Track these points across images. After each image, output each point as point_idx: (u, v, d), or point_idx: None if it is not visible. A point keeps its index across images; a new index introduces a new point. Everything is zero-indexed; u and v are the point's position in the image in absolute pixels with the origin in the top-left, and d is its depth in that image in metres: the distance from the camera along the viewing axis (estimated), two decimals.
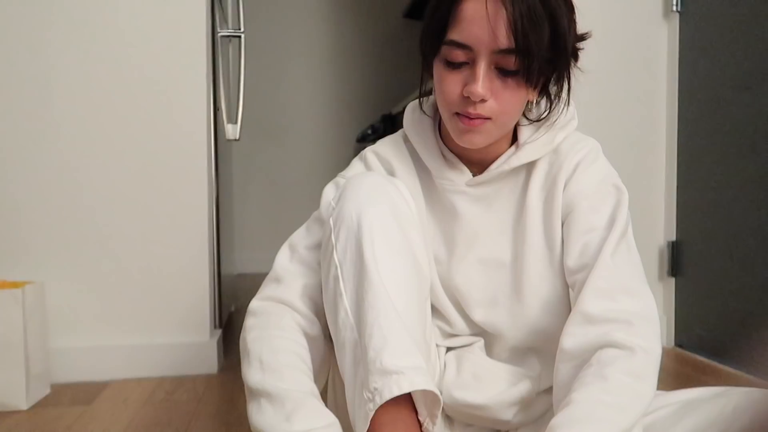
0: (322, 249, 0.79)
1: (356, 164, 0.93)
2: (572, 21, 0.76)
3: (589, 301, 0.74)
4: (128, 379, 1.57)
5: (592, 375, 0.68)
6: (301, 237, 0.89)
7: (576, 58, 0.79)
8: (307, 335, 0.81)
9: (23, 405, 1.36)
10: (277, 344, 0.77)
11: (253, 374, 0.74)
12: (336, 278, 0.74)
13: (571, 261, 0.80)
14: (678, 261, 1.90)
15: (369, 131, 3.20)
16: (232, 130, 1.74)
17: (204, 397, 1.44)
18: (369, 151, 0.92)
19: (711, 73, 1.76)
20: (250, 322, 0.83)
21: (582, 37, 0.79)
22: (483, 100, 0.74)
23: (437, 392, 0.66)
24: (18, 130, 1.54)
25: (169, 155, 1.61)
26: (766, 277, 1.56)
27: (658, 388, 0.73)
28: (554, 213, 0.82)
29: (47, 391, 1.48)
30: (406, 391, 0.64)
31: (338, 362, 0.75)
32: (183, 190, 1.62)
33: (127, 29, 1.58)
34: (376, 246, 0.73)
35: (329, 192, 0.90)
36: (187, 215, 1.62)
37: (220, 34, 1.76)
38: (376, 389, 0.65)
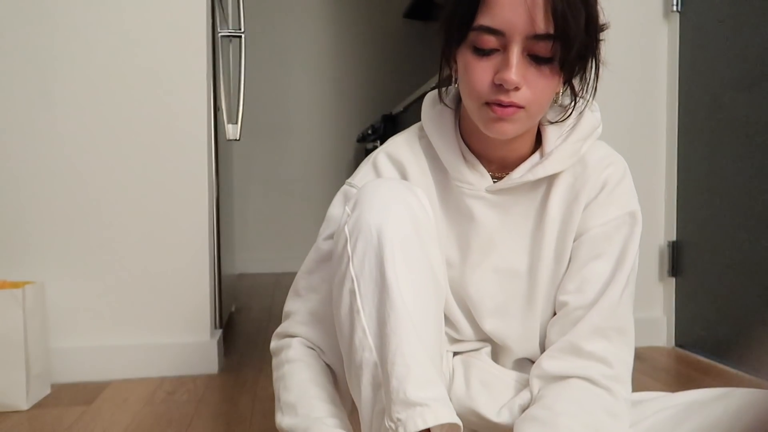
0: (334, 258, 0.76)
1: (364, 169, 0.88)
2: (597, 8, 0.74)
3: (585, 338, 0.77)
4: (129, 379, 1.57)
5: (576, 405, 0.73)
6: (302, 269, 0.89)
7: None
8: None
9: (23, 405, 1.36)
10: (288, 380, 0.81)
11: (277, 416, 0.80)
12: (352, 293, 0.71)
13: (571, 282, 0.81)
14: (678, 261, 1.90)
15: (369, 131, 3.20)
16: (232, 130, 1.74)
17: (204, 397, 1.44)
18: (381, 153, 0.87)
19: (711, 73, 1.77)
20: (272, 363, 0.88)
21: (602, 27, 0.76)
22: (517, 88, 0.70)
23: (459, 423, 0.66)
24: (19, 131, 1.54)
25: (169, 155, 1.61)
26: (765, 277, 1.56)
27: (658, 387, 0.74)
28: (570, 227, 0.81)
29: (47, 391, 1.48)
30: (430, 425, 0.64)
31: (348, 377, 0.74)
32: (183, 190, 1.62)
33: (128, 30, 1.58)
34: (398, 264, 0.70)
35: (338, 202, 0.86)
36: (188, 215, 1.63)
37: (220, 34, 1.76)
38: (399, 420, 0.64)
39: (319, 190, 3.63)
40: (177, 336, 1.62)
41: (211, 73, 1.70)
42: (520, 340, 0.85)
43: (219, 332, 1.73)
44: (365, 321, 0.70)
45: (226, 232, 2.10)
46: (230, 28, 1.89)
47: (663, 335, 1.92)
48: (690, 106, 1.85)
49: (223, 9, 1.90)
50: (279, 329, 0.89)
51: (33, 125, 1.55)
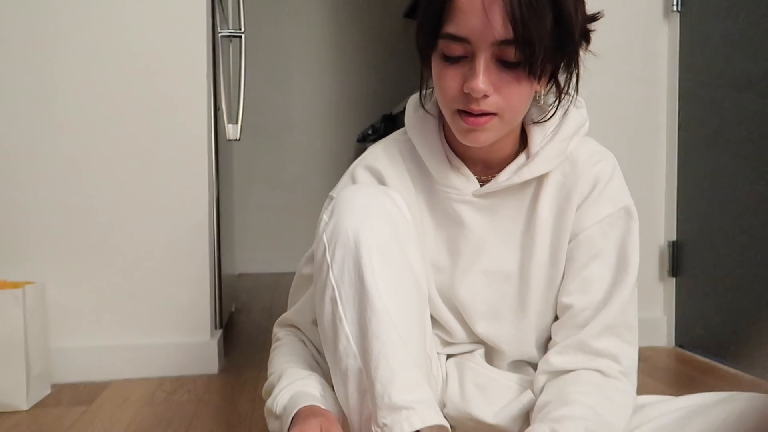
0: (315, 266, 0.75)
1: (343, 181, 0.88)
2: (580, 1, 0.71)
3: (595, 336, 0.77)
4: (129, 379, 1.57)
5: (587, 386, 0.76)
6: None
7: (587, 40, 0.74)
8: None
9: (23, 405, 1.36)
10: (278, 359, 0.86)
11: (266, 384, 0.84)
12: (334, 300, 0.71)
13: (572, 283, 0.80)
14: (678, 261, 1.90)
15: (369, 131, 3.20)
16: (232, 130, 1.74)
17: (204, 398, 1.44)
18: (359, 166, 0.87)
19: (711, 73, 1.77)
20: None
21: (593, 18, 0.73)
22: (485, 96, 0.69)
23: (446, 425, 0.66)
24: (19, 130, 1.54)
25: (169, 155, 1.61)
26: (765, 277, 1.56)
27: (659, 387, 0.75)
28: (564, 228, 0.80)
29: (48, 391, 1.48)
30: (417, 428, 0.64)
31: (335, 385, 0.73)
32: (183, 190, 1.62)
33: (128, 30, 1.58)
34: (376, 268, 0.69)
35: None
36: (188, 215, 1.62)
37: (220, 34, 1.76)
38: (385, 425, 0.64)
39: (319, 190, 3.63)
40: (177, 336, 1.62)
41: (211, 73, 1.70)
42: (514, 343, 0.85)
43: (219, 332, 1.73)
44: (348, 328, 0.70)
45: (226, 232, 2.10)
46: (230, 28, 1.89)
47: (663, 335, 1.92)
48: (690, 105, 1.85)
49: (223, 9, 1.90)
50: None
51: (33, 125, 1.55)
